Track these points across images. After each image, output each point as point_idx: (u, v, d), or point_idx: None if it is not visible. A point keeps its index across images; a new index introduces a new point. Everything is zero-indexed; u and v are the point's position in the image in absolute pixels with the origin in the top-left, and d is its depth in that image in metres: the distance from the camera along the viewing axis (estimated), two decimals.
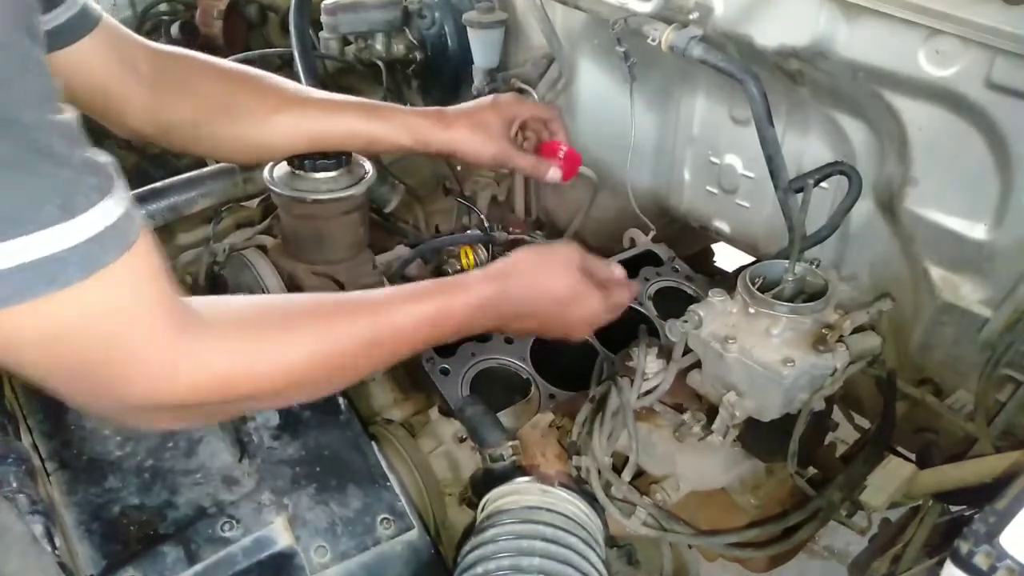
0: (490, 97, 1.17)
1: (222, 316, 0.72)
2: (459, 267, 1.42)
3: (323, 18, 1.66)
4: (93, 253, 0.58)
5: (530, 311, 0.93)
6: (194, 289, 1.41)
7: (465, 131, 1.11)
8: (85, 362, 0.63)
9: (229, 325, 0.71)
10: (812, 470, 1.03)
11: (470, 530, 0.92)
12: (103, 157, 0.60)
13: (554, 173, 1.18)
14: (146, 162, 1.86)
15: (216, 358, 0.68)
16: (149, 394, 0.66)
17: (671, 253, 1.47)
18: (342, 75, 1.78)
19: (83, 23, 0.89)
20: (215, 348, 0.69)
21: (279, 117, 1.05)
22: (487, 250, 1.43)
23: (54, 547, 0.73)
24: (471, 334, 0.93)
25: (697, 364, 0.94)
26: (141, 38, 1.01)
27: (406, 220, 1.69)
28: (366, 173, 1.21)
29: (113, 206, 0.59)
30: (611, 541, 1.00)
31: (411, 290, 0.85)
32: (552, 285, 0.93)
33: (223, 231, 1.35)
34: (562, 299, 0.93)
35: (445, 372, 1.16)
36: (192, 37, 1.98)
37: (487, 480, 0.97)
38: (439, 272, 1.44)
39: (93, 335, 0.62)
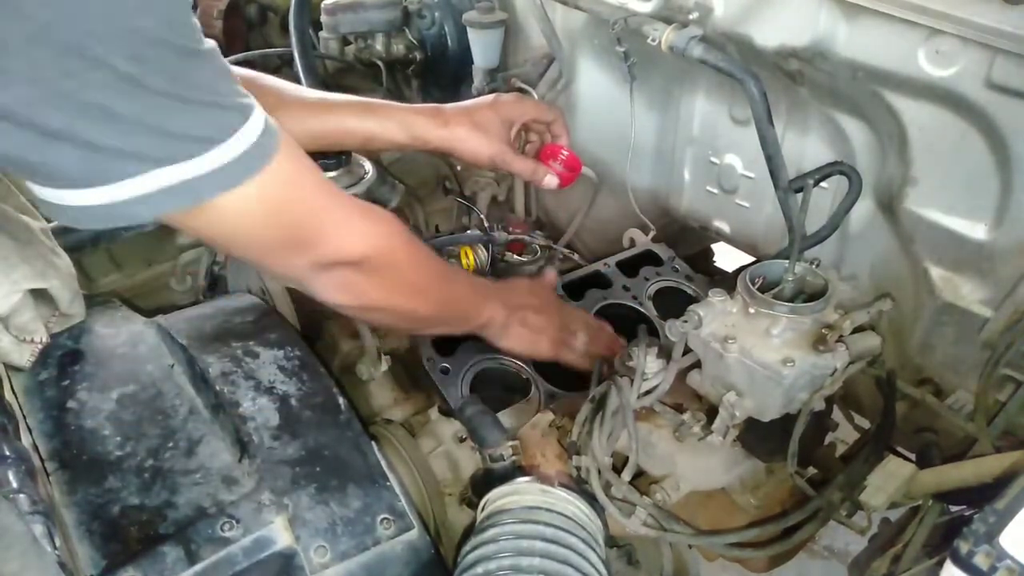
0: (491, 96, 1.16)
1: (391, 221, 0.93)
2: (459, 267, 1.42)
3: (323, 18, 1.67)
4: (270, 142, 0.74)
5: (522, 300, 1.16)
6: (194, 289, 1.41)
7: (463, 130, 1.11)
8: (288, 228, 0.81)
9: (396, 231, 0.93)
10: (812, 470, 1.03)
11: (470, 530, 0.92)
12: None
13: (550, 180, 1.18)
14: None
15: (390, 228, 0.91)
16: (337, 246, 0.85)
17: (671, 253, 1.47)
18: (342, 75, 1.78)
19: None
20: (390, 223, 0.91)
21: (275, 117, 1.04)
22: (487, 250, 1.43)
23: (54, 547, 0.72)
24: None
25: (697, 364, 0.94)
26: None
27: (406, 220, 1.69)
28: (366, 173, 1.21)
29: (260, 111, 0.74)
30: (611, 541, 1.00)
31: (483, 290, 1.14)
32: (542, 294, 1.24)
33: None
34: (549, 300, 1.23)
35: (445, 372, 1.16)
36: None
37: (487, 480, 0.97)
38: None
39: (292, 202, 0.79)
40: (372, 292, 0.92)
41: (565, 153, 1.19)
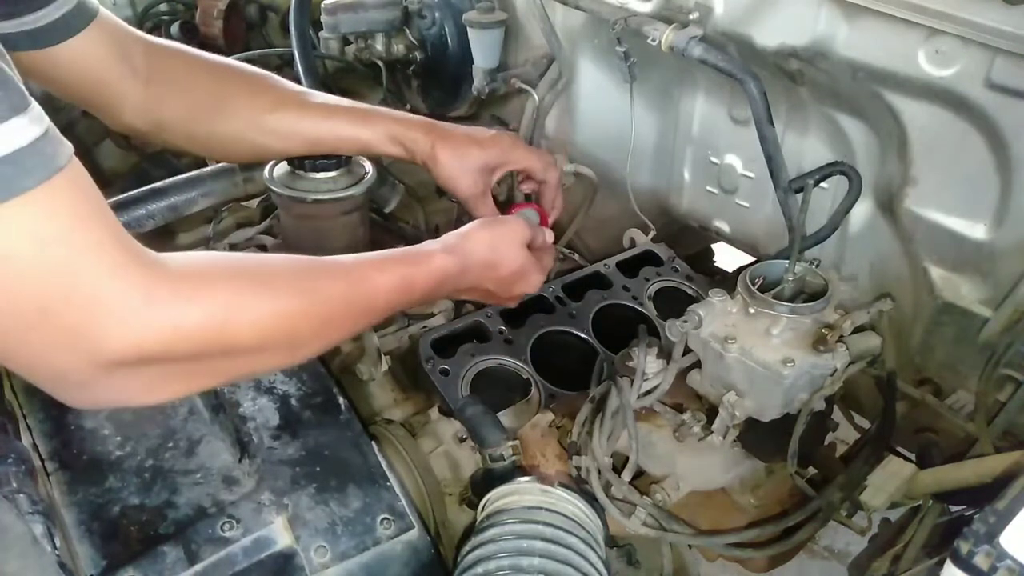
0: (491, 133, 1.13)
1: (194, 266, 0.66)
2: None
3: (323, 18, 1.66)
4: (54, 151, 0.54)
5: (481, 285, 0.99)
6: None
7: (445, 157, 1.08)
8: (36, 307, 0.55)
9: (202, 274, 0.66)
10: (812, 470, 1.03)
11: (470, 530, 0.92)
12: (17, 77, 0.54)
13: None
14: (146, 162, 1.85)
15: (190, 305, 0.63)
16: (117, 342, 0.58)
17: (671, 253, 1.47)
18: (342, 75, 1.78)
19: (80, 17, 0.89)
20: (188, 293, 0.63)
21: (273, 118, 1.04)
22: None
23: (54, 547, 0.73)
24: (427, 302, 1.01)
25: (697, 364, 0.94)
26: (138, 32, 1.00)
27: (406, 220, 1.68)
28: (366, 173, 1.21)
29: (28, 124, 0.52)
30: (611, 541, 1.00)
31: (379, 257, 0.86)
32: (505, 264, 0.99)
33: (223, 231, 1.35)
34: (510, 277, 1.00)
35: (445, 372, 1.16)
36: (192, 37, 1.98)
37: (487, 480, 0.97)
38: None
39: (38, 272, 0.55)
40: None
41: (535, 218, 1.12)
